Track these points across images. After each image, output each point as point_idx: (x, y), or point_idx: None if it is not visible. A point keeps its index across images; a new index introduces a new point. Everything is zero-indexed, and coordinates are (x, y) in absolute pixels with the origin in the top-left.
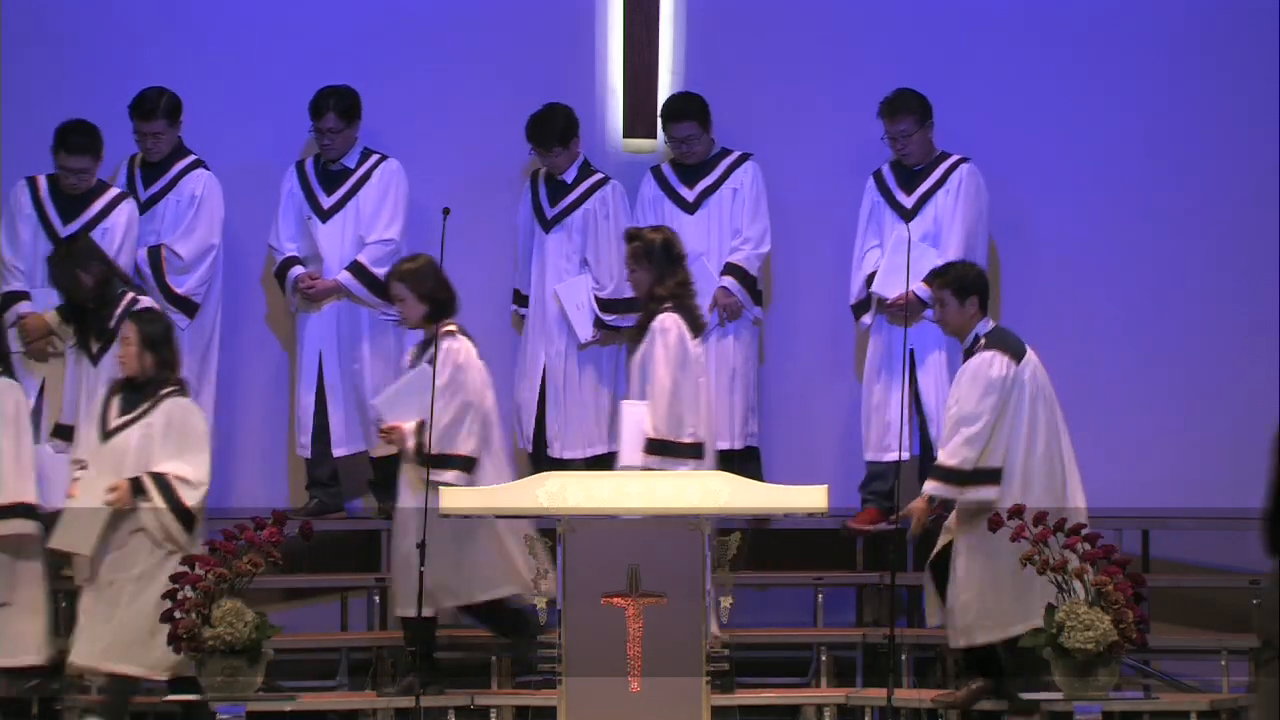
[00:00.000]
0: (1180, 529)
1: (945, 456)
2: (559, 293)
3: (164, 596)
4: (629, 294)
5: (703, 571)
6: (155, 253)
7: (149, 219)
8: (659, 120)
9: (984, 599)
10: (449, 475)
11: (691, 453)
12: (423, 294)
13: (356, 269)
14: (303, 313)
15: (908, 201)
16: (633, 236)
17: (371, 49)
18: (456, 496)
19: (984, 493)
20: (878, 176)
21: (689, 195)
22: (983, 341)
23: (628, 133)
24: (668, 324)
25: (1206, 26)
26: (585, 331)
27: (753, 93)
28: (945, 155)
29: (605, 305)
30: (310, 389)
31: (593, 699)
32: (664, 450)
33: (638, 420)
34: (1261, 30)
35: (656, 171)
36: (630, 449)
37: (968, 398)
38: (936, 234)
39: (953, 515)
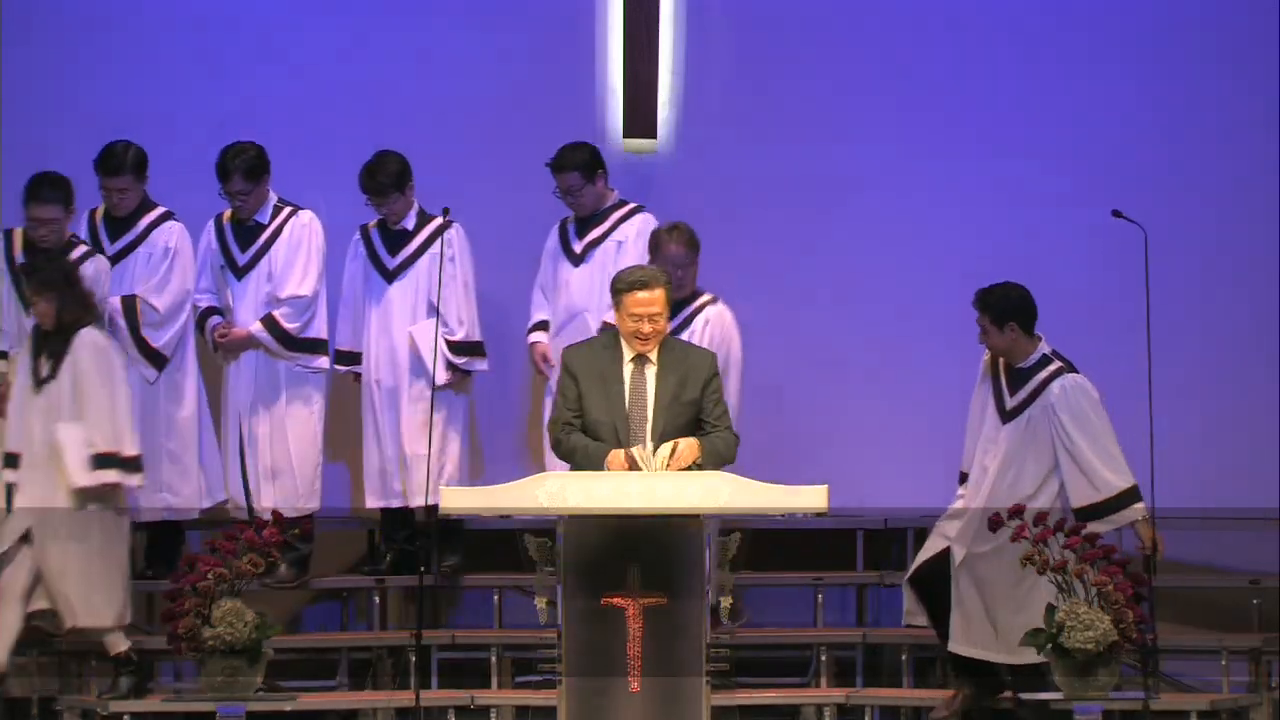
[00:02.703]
0: (1180, 529)
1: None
2: (414, 335)
3: (165, 596)
4: (478, 337)
5: (703, 571)
6: (130, 302)
7: (118, 273)
8: (657, 121)
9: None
10: None
11: (135, 466)
12: None
13: (269, 322)
14: (225, 363)
15: None
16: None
17: (370, 49)
18: (457, 496)
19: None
20: None
21: (577, 247)
22: (1055, 365)
23: (628, 133)
24: (98, 339)
25: (1209, 25)
26: (440, 375)
27: (751, 93)
28: (699, 294)
29: (456, 348)
30: (233, 443)
31: (593, 699)
32: (112, 464)
33: (78, 441)
34: (1263, 30)
35: (563, 223)
36: (78, 470)
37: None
38: None
39: (949, 524)
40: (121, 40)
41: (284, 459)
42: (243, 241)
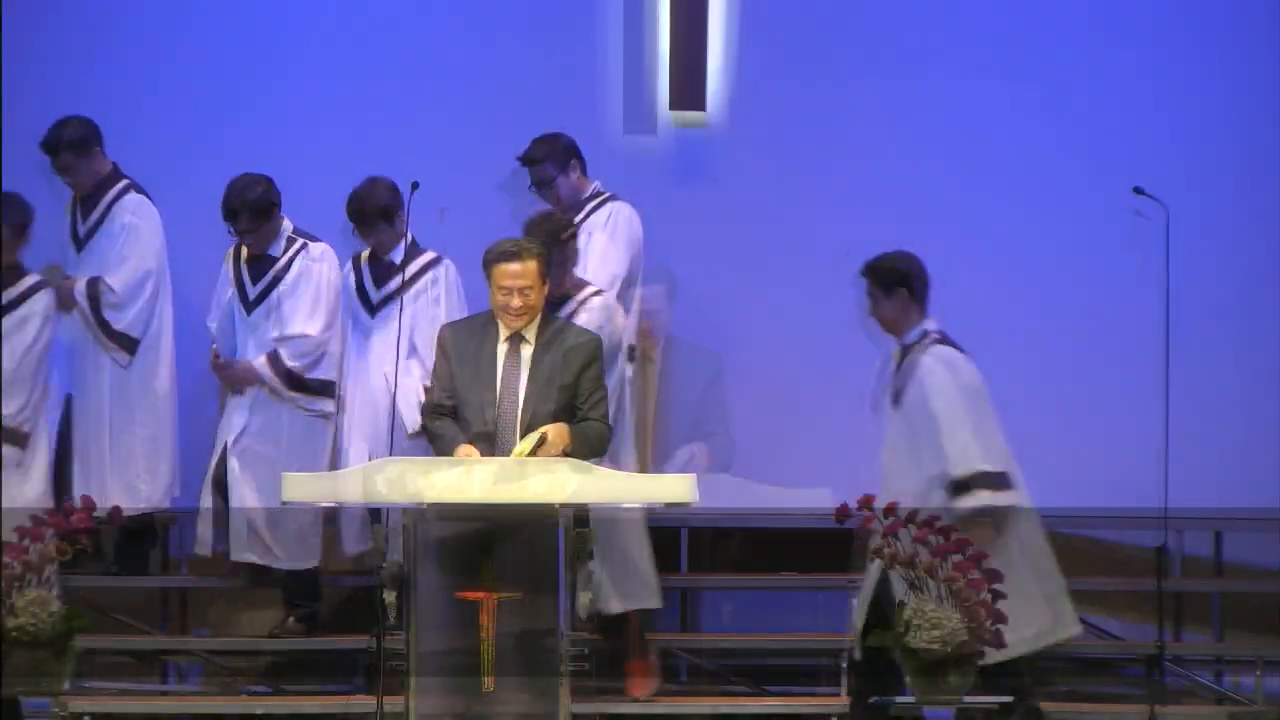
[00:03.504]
0: (1181, 529)
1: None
2: (396, 396)
3: None
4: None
5: (559, 565)
6: (94, 285)
7: (88, 254)
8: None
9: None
10: None
11: None
12: None
13: (273, 359)
14: (227, 394)
15: None
16: None
17: (371, 50)
18: (297, 486)
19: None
20: None
21: None
22: (926, 341)
23: (674, 105)
24: None
25: (1211, 22)
26: (412, 423)
27: (759, 93)
28: (583, 285)
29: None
30: (210, 478)
31: (442, 699)
32: None
33: None
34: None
35: None
36: None
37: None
38: None
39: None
40: (122, 41)
41: (278, 512)
42: (254, 275)
